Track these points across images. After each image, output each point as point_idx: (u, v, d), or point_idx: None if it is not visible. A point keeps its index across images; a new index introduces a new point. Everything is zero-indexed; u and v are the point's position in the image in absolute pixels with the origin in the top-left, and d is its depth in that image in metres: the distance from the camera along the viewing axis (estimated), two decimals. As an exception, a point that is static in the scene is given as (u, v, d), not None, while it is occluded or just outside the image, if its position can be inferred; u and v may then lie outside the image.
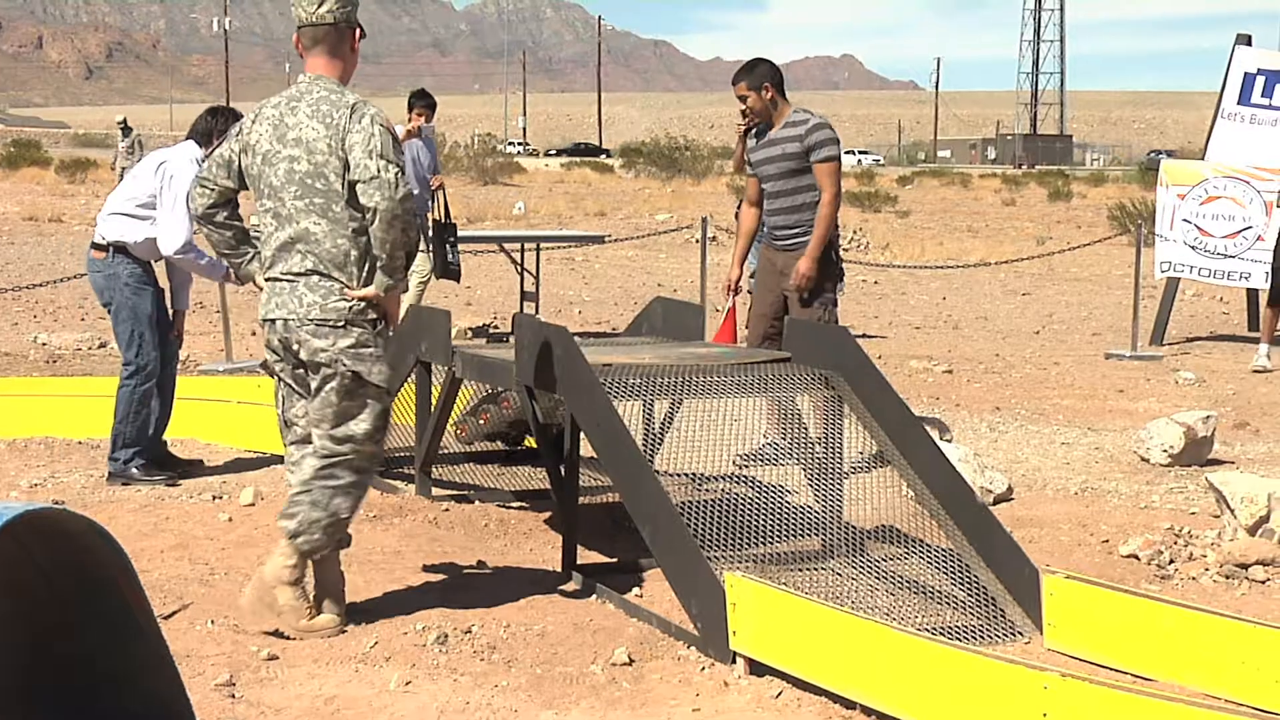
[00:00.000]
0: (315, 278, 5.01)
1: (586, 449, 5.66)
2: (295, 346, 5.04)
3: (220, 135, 7.21)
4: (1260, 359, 12.23)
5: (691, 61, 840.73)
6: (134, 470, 7.19)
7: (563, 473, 5.80)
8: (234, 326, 11.99)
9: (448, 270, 12.11)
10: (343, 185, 4.98)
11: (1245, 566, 5.84)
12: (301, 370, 5.11)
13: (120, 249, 7.17)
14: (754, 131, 7.86)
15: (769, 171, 7.77)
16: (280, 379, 5.19)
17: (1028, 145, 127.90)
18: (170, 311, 7.49)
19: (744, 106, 7.74)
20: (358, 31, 5.24)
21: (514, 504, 6.88)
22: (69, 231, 25.55)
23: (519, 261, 14.19)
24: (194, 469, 7.49)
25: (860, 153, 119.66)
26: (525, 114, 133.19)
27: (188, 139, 7.38)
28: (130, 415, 7.19)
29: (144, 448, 7.23)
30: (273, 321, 5.08)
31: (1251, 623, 4.47)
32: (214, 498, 6.93)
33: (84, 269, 7.48)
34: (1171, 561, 6.02)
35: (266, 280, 5.13)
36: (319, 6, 5.11)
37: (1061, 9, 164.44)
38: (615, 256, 22.88)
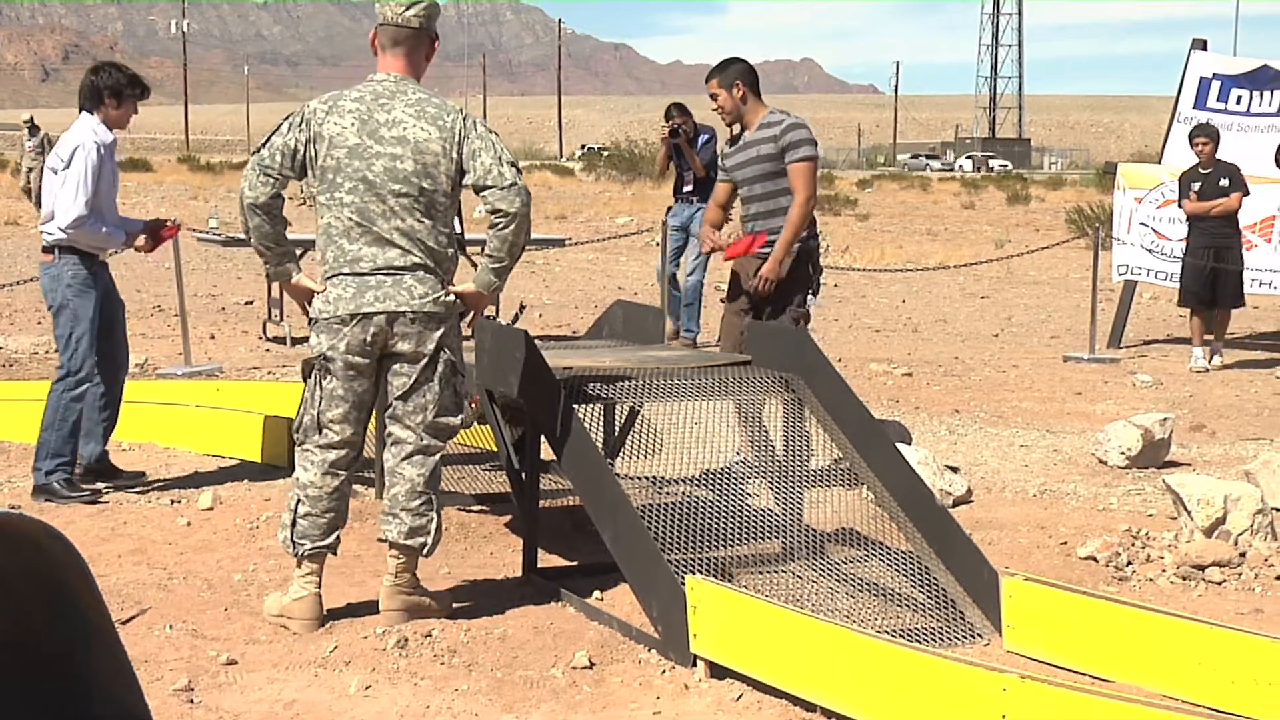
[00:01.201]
0: (421, 272, 5.06)
1: (547, 452, 5.66)
2: (393, 339, 5.04)
3: (109, 90, 6.97)
4: (1198, 361, 12.45)
5: (651, 65, 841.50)
6: (56, 484, 6.89)
7: (523, 476, 5.80)
8: (192, 330, 11.93)
9: None
10: (451, 187, 5.09)
11: (1202, 568, 5.88)
12: (368, 371, 5.08)
13: (67, 249, 6.92)
14: (730, 136, 7.60)
15: (744, 175, 7.36)
16: (332, 379, 5.09)
17: (986, 149, 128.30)
18: (123, 305, 7.30)
19: (715, 105, 7.42)
20: (436, 42, 5.31)
21: (474, 507, 6.87)
22: (25, 234, 25.35)
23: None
24: (137, 481, 7.26)
25: (928, 156, 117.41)
26: (485, 117, 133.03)
27: (81, 110, 7.06)
28: (56, 422, 6.88)
29: (69, 459, 6.93)
30: (368, 316, 5.01)
31: (1208, 624, 4.50)
32: (172, 502, 6.90)
33: (39, 273, 7.34)
34: (1129, 563, 6.05)
35: (346, 275, 5.04)
36: (407, 9, 5.16)
37: (1020, 13, 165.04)
38: (575, 260, 22.86)
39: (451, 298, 5.11)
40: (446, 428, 5.21)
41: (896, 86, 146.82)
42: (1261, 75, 14.00)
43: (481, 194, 5.07)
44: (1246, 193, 12.26)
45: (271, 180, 5.07)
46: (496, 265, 5.13)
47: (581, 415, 5.43)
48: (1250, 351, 13.66)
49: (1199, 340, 12.61)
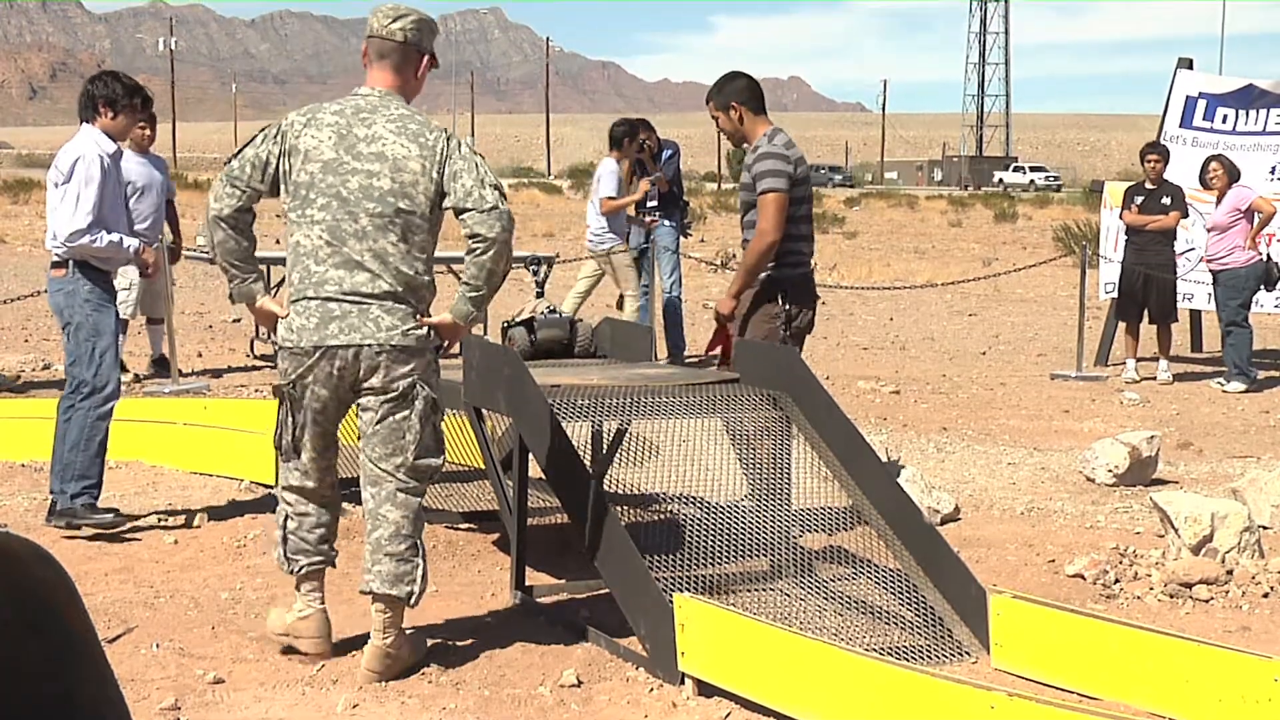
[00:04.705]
0: (390, 301, 4.77)
1: (535, 470, 5.66)
2: (361, 374, 4.78)
3: (104, 100, 6.79)
4: (1130, 372, 12.75)
5: (639, 83, 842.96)
6: (79, 507, 6.59)
7: (512, 494, 5.79)
8: (180, 348, 11.91)
9: None
10: (430, 209, 4.81)
11: (1189, 586, 5.89)
12: (336, 402, 4.86)
13: (81, 264, 6.70)
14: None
15: (741, 200, 7.06)
16: (301, 408, 4.89)
17: (974, 167, 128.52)
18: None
19: (719, 129, 7.05)
20: (426, 59, 5.03)
21: (462, 525, 6.86)
22: (12, 252, 25.31)
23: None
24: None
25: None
26: (473, 135, 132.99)
27: (83, 123, 6.86)
28: (83, 442, 6.60)
29: (96, 481, 6.67)
30: (333, 349, 4.76)
31: (1195, 641, 4.51)
32: (160, 520, 6.88)
33: (28, 290, 7.23)
34: (1117, 581, 6.05)
35: (310, 300, 4.80)
36: (392, 21, 4.93)
37: (1006, 32, 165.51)
38: (564, 277, 22.86)
39: (423, 330, 4.82)
40: (428, 470, 4.90)
41: (884, 105, 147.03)
42: (1247, 94, 14.07)
43: (461, 217, 4.79)
44: (1185, 215, 12.56)
45: (238, 192, 4.81)
46: (474, 294, 4.83)
47: (570, 433, 5.42)
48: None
49: (1131, 352, 12.93)
